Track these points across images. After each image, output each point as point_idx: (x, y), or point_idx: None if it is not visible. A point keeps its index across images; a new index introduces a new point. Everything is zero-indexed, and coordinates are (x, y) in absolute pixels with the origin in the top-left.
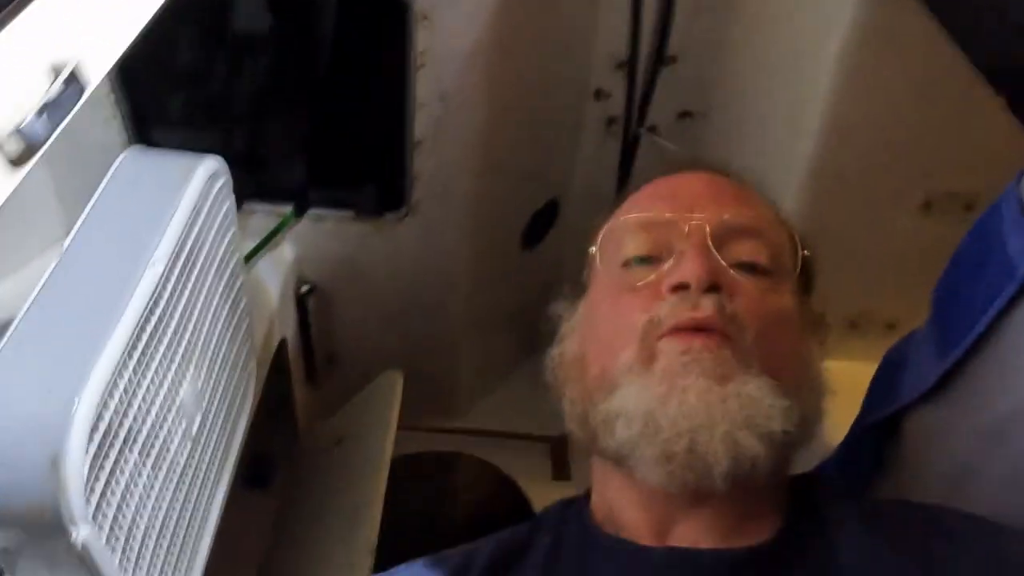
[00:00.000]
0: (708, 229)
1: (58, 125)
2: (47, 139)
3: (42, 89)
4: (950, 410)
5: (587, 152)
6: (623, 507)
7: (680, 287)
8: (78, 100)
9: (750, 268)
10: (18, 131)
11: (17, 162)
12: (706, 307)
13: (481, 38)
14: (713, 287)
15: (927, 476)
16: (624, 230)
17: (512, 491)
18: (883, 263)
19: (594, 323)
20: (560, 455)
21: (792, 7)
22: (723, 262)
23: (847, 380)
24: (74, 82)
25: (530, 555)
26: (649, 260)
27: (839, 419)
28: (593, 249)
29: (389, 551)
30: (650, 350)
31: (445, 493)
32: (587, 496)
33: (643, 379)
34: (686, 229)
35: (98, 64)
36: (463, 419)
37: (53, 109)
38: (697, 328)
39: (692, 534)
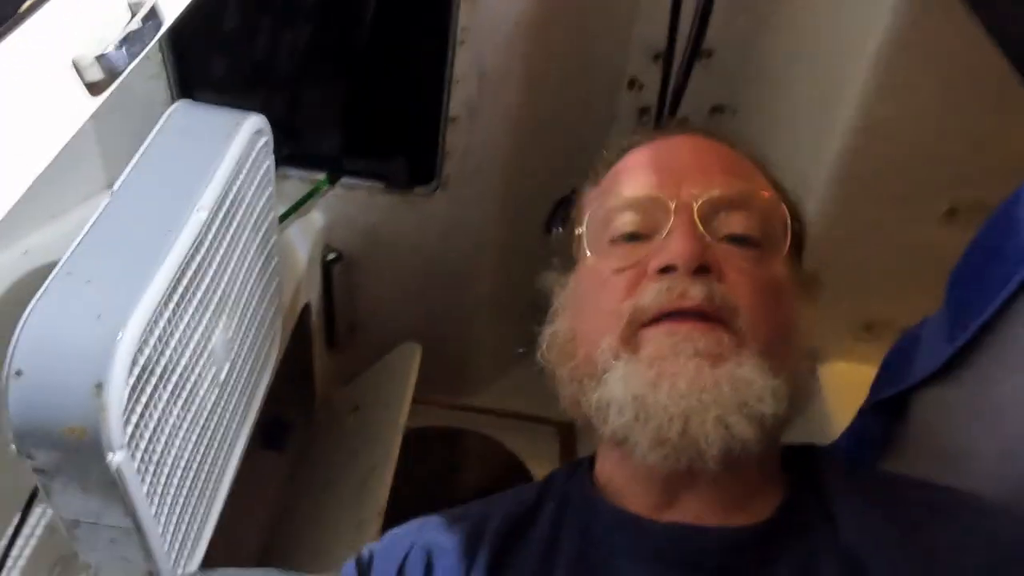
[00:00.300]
0: (696, 205)
1: (135, 57)
2: (124, 70)
3: (122, 22)
4: (956, 392)
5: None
6: (624, 480)
7: (667, 269)
8: (155, 35)
9: (740, 240)
10: (99, 59)
11: (95, 89)
12: (694, 295)
13: (522, 18)
14: (701, 268)
15: (931, 455)
16: (611, 208)
17: (519, 471)
18: (904, 267)
19: (581, 305)
20: (568, 439)
21: (830, 7)
22: (712, 238)
23: (861, 382)
24: (152, 18)
25: (537, 523)
26: (637, 237)
27: (850, 420)
28: (580, 229)
29: (395, 521)
30: (635, 338)
31: (452, 469)
32: (592, 460)
33: (631, 364)
34: (673, 206)
35: (174, 3)
36: (476, 397)
37: (132, 42)
38: (686, 313)
39: (695, 508)
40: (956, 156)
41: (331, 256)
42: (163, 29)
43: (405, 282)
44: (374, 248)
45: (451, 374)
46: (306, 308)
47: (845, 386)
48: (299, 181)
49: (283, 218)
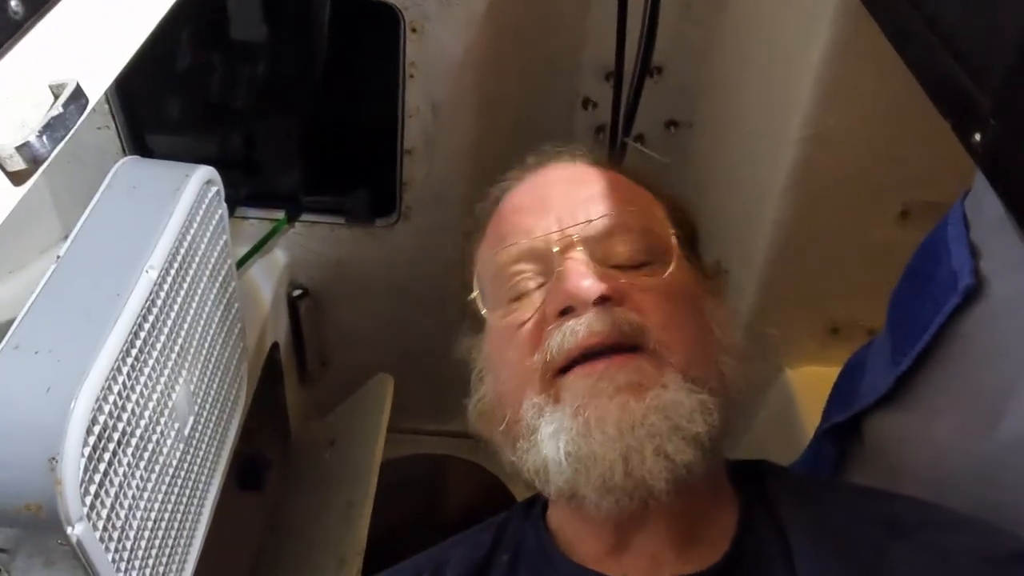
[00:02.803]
0: (576, 240)
1: (59, 143)
2: (48, 157)
3: (44, 108)
4: (902, 417)
5: None
6: (576, 526)
7: (566, 310)
8: (78, 118)
9: (631, 258)
10: (20, 149)
11: (18, 179)
12: (600, 330)
13: (471, 49)
14: (601, 298)
15: (883, 480)
16: (499, 264)
17: (502, 493)
18: (864, 270)
19: (497, 366)
20: None
21: (773, 20)
22: (602, 266)
23: (830, 386)
24: (75, 101)
25: (491, 574)
26: (531, 285)
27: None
28: (474, 294)
29: (381, 554)
30: (554, 387)
31: (436, 496)
32: (546, 502)
33: (556, 419)
34: (556, 249)
35: (98, 82)
36: (453, 422)
37: (54, 127)
38: (597, 351)
39: (650, 547)
40: (904, 159)
41: (297, 292)
42: (88, 108)
43: (374, 313)
44: (340, 282)
45: (427, 401)
46: (275, 347)
47: (815, 389)
48: (259, 221)
49: (244, 260)
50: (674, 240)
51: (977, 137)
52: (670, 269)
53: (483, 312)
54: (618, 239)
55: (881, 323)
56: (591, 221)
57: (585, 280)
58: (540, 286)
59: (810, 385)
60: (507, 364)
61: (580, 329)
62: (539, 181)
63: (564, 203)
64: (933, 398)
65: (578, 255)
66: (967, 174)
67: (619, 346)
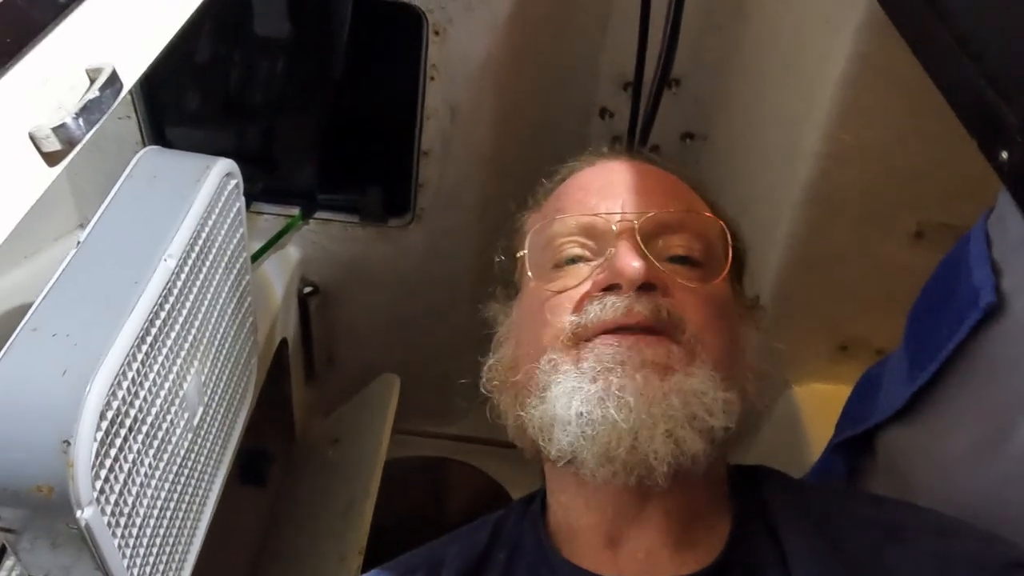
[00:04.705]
0: (637, 226)
1: (93, 126)
2: (83, 139)
3: (80, 91)
4: (917, 432)
5: None
6: (576, 511)
7: (611, 287)
8: (113, 102)
9: (682, 260)
10: (56, 130)
11: (52, 160)
12: (639, 311)
13: (492, 54)
14: (646, 285)
15: (895, 494)
16: (553, 233)
17: (502, 498)
18: (875, 289)
19: (523, 329)
20: None
21: (793, 36)
22: (655, 258)
23: (837, 403)
24: (110, 85)
25: (488, 572)
26: (579, 260)
27: (827, 442)
28: (522, 252)
29: (379, 553)
30: (577, 349)
31: (436, 498)
32: (544, 499)
33: (574, 379)
34: (615, 229)
35: (133, 68)
36: (457, 425)
37: (90, 110)
38: (632, 329)
39: (646, 543)
40: (920, 179)
41: (307, 290)
42: (123, 93)
43: (382, 313)
44: (351, 281)
45: (432, 403)
46: (283, 343)
47: (822, 407)
48: (273, 217)
49: (258, 254)
50: (729, 252)
51: (1004, 155)
52: (721, 276)
53: (528, 274)
54: (676, 238)
55: (890, 343)
56: (655, 214)
57: (636, 262)
58: (589, 262)
59: (816, 402)
60: (536, 324)
61: (621, 306)
62: (611, 167)
63: (630, 192)
64: (949, 414)
65: (634, 239)
66: (983, 197)
67: (654, 330)
